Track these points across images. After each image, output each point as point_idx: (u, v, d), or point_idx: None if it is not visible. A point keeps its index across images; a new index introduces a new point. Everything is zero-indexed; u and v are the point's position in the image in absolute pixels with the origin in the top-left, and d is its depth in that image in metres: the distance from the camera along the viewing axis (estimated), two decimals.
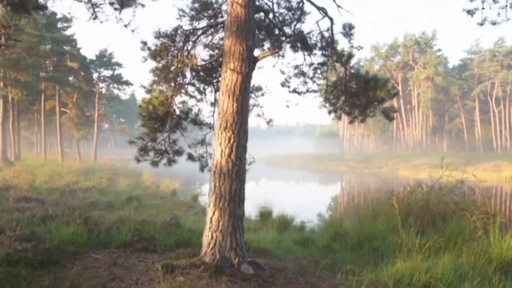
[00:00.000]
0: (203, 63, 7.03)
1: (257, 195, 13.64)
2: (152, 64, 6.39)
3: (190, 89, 7.15)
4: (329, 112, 7.95)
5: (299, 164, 68.67)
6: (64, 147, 62.06)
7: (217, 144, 5.14)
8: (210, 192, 5.19)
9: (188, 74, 6.84)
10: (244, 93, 5.19)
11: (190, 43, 6.25)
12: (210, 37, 7.33)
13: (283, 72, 7.95)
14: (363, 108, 7.21)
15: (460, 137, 75.81)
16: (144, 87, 6.50)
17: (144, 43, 6.37)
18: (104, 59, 44.07)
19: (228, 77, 5.19)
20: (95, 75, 45.18)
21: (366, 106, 7.09)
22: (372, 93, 6.29)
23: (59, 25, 38.84)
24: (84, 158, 47.36)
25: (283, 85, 8.04)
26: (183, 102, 7.03)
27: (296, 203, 16.62)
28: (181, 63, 6.21)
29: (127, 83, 48.18)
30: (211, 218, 5.11)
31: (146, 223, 7.73)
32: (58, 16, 36.79)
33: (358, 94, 7.07)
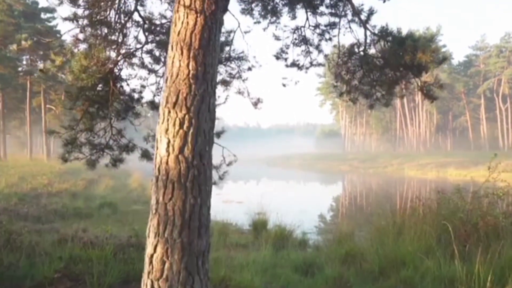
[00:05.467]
0: (164, 21, 4.92)
1: (254, 199, 11.74)
2: (69, 10, 4.21)
3: (147, 60, 5.04)
4: (341, 94, 5.85)
5: (300, 164, 67.45)
6: (57, 147, 60.17)
7: (161, 131, 3.03)
8: (150, 213, 3.10)
9: (141, 36, 4.75)
10: (208, 46, 3.08)
11: None
12: None
13: (278, 38, 5.78)
14: (389, 85, 5.10)
15: (464, 135, 74.44)
16: (62, 46, 4.32)
17: None
18: None
19: (181, 20, 3.08)
20: None
21: (394, 82, 4.99)
22: (409, 57, 4.19)
23: (43, 16, 36.62)
24: None
25: (278, 57, 5.88)
26: (136, 76, 4.93)
27: (297, 209, 14.72)
28: (119, 12, 4.10)
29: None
30: (151, 257, 3.00)
31: (93, 244, 5.66)
32: (41, 5, 34.61)
33: (383, 66, 4.96)
